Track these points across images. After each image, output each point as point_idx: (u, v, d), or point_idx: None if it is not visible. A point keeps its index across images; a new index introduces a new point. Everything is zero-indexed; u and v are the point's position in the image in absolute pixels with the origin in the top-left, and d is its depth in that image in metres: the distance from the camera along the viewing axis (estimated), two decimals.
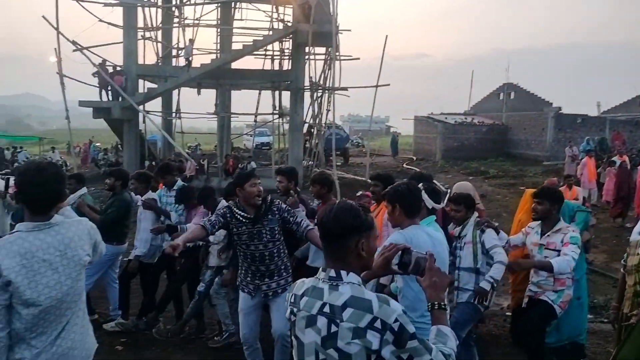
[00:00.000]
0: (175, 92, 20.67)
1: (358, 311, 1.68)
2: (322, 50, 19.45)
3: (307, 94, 18.47)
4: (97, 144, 30.28)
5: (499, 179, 19.85)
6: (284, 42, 20.54)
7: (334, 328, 1.71)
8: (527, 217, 4.92)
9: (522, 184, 18.01)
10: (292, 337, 1.90)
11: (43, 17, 16.50)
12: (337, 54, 17.20)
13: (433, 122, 29.57)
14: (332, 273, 1.80)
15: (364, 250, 1.81)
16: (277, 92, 21.33)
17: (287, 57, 20.67)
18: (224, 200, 4.95)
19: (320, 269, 1.88)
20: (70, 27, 17.23)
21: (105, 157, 23.51)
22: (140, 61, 18.68)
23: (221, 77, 19.20)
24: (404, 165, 25.85)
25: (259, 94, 22.51)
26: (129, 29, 17.83)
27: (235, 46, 20.08)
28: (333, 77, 17.27)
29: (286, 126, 21.73)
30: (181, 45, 22.11)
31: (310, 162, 20.64)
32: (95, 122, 19.53)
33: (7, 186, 4.50)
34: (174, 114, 21.37)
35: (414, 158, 29.47)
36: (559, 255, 3.96)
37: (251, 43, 18.44)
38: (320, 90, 18.69)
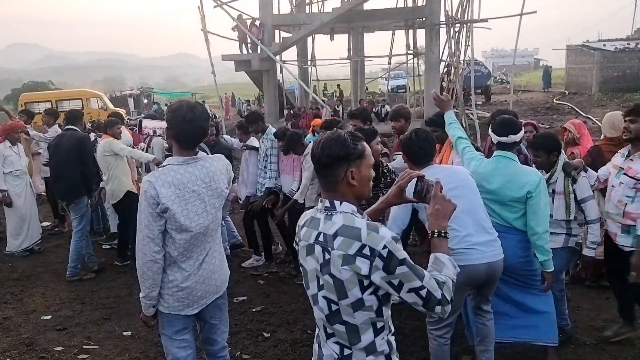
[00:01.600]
0: (309, 40, 20.89)
1: (347, 239, 1.72)
2: None
3: (443, 30, 17.44)
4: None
5: None
6: None
7: (327, 256, 1.76)
8: None
9: None
10: (300, 265, 1.96)
11: None
12: None
13: (589, 50, 26.26)
14: (327, 203, 1.83)
15: (355, 179, 1.80)
16: (411, 31, 20.49)
17: None
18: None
19: (320, 199, 1.90)
20: None
21: (248, 108, 24.89)
22: (275, 12, 19.07)
23: (353, 20, 18.88)
24: (555, 100, 23.55)
25: (393, 34, 21.81)
26: None
27: None
28: (472, 8, 16.02)
29: (422, 67, 20.92)
30: None
31: None
32: (240, 75, 20.56)
33: (140, 127, 4.89)
34: (308, 62, 21.68)
35: (566, 92, 26.67)
36: (637, 184, 3.49)
37: None
38: (458, 25, 17.50)
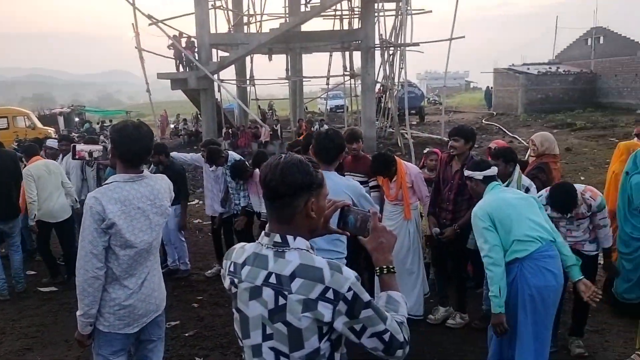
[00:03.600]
0: (248, 59, 20.93)
1: (308, 281, 1.50)
2: (392, 5, 18.78)
3: (378, 53, 17.99)
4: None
5: (586, 131, 18.51)
6: (352, 0, 20.07)
7: (282, 300, 1.52)
8: (621, 168, 4.76)
9: (613, 135, 16.71)
10: (234, 310, 1.69)
11: None
12: (407, 8, 16.51)
13: (514, 74, 27.90)
14: (277, 238, 1.59)
15: (314, 210, 1.60)
16: (347, 53, 20.99)
17: (357, 16, 20.19)
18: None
19: (263, 232, 1.66)
20: (145, 2, 17.74)
21: (185, 127, 24.42)
22: (213, 30, 18.98)
23: (291, 41, 19.12)
24: (483, 121, 24.73)
25: (330, 55, 22.27)
26: None
27: (304, 9, 19.87)
28: (404, 33, 16.66)
29: (359, 88, 21.44)
30: (251, 12, 22.22)
31: (384, 123, 20.26)
32: (177, 93, 20.20)
33: (74, 153, 4.73)
34: (247, 81, 21.68)
35: (494, 113, 28.09)
36: None
37: (319, 4, 18.10)
38: (392, 48, 18.12)
